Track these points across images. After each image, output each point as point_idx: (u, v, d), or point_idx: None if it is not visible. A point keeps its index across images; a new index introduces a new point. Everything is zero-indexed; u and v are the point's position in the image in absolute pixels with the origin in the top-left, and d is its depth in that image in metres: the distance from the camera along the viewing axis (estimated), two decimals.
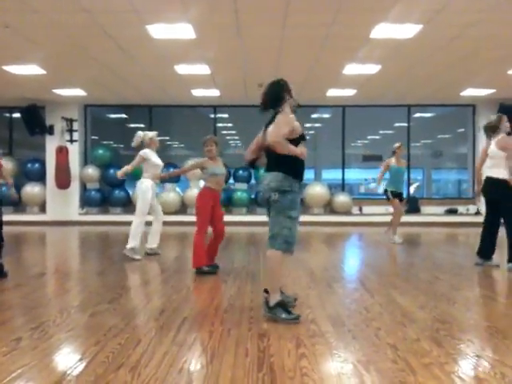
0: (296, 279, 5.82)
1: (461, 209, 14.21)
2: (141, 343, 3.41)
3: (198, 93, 12.33)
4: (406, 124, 14.70)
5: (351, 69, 9.86)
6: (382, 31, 7.48)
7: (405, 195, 9.80)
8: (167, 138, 18.20)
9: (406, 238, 10.24)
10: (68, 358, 3.19)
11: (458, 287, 5.53)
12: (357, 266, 7.58)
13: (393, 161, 9.53)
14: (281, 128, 4.00)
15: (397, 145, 9.59)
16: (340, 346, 3.38)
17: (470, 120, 14.51)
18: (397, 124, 16.27)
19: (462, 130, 15.56)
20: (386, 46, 8.36)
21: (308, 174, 16.07)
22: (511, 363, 3.05)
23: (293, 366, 2.98)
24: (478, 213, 13.90)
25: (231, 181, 14.29)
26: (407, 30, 7.47)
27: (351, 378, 2.85)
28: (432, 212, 14.07)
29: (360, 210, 14.28)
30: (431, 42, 8.11)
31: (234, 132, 18.73)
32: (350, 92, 12.27)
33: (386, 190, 9.66)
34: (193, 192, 13.72)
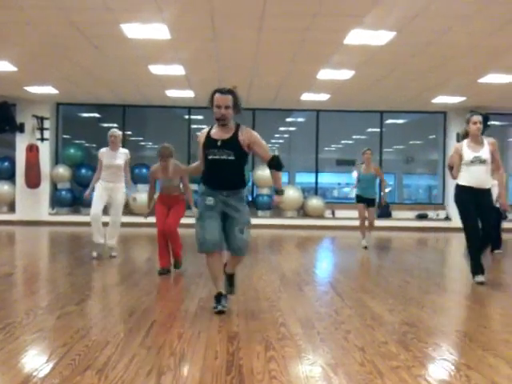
0: (267, 282, 5.83)
1: (431, 214, 14.43)
2: (108, 345, 3.36)
3: (173, 93, 12.28)
4: (378, 129, 14.88)
5: (325, 74, 9.94)
6: (356, 37, 7.55)
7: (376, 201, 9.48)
8: (141, 138, 18.06)
9: (377, 242, 10.35)
10: (34, 360, 3.13)
11: (426, 291, 5.60)
12: (328, 269, 7.63)
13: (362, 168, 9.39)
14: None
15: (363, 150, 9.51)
16: (309, 349, 3.39)
17: (441, 127, 14.77)
18: (369, 129, 16.45)
19: (433, 136, 15.82)
20: (360, 53, 8.45)
21: (282, 178, 16.14)
22: (477, 366, 3.09)
23: (262, 369, 2.98)
24: (447, 218, 14.17)
25: None
26: (381, 37, 7.56)
27: (319, 380, 2.86)
28: (403, 217, 14.25)
29: (333, 213, 14.38)
30: (404, 50, 8.23)
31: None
32: (324, 97, 12.36)
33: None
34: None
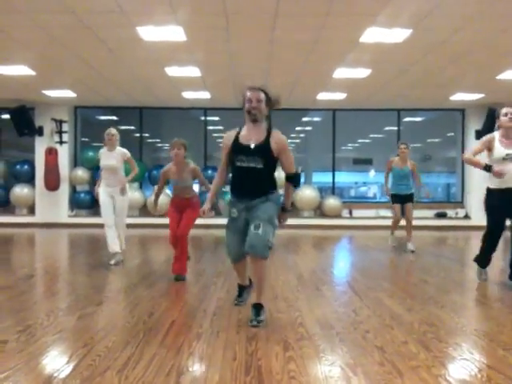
0: (285, 282, 5.82)
1: (450, 212, 14.30)
2: (128, 346, 3.39)
3: (189, 95, 12.32)
4: (395, 128, 14.78)
5: (341, 73, 9.90)
6: (372, 35, 7.51)
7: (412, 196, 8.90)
8: (158, 140, 18.17)
9: (395, 241, 10.28)
10: (54, 361, 3.17)
11: (446, 290, 5.55)
12: (346, 269, 7.59)
13: (396, 161, 8.77)
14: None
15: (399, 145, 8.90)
16: (328, 349, 3.38)
17: (460, 124, 14.63)
18: (387, 128, 16.36)
19: (451, 134, 15.67)
20: (376, 51, 8.40)
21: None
22: (497, 366, 3.06)
23: (280, 369, 2.98)
24: (466, 216, 14.03)
25: None
26: (396, 35, 7.51)
27: (338, 380, 2.85)
28: (421, 215, 14.11)
29: (350, 213, 14.33)
30: (420, 47, 8.16)
31: (224, 135, 18.72)
32: (340, 96, 12.32)
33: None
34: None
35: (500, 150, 5.32)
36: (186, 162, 5.89)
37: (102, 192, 7.16)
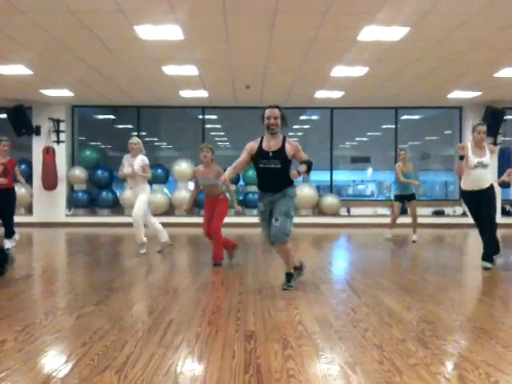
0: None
1: (448, 210, 14.31)
2: (127, 345, 3.39)
3: (187, 94, 12.31)
4: (393, 126, 14.79)
5: (339, 71, 9.90)
6: (370, 34, 7.52)
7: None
8: (155, 139, 18.14)
9: (393, 238, 10.30)
10: (53, 361, 3.17)
11: (444, 288, 5.56)
12: (344, 267, 7.60)
13: (400, 165, 9.90)
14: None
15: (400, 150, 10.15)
16: (327, 347, 3.38)
17: (457, 122, 14.64)
18: (384, 126, 16.36)
19: (449, 131, 15.69)
20: (374, 49, 8.40)
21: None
22: (496, 364, 3.07)
23: (279, 368, 2.98)
24: (464, 214, 14.04)
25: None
26: (394, 33, 7.52)
27: (337, 379, 2.85)
28: (419, 213, 14.11)
29: (348, 211, 14.33)
30: (418, 45, 8.16)
31: (222, 133, 18.73)
32: (337, 94, 12.32)
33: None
34: (181, 193, 13.69)
35: (472, 159, 6.45)
36: (212, 163, 6.81)
37: (130, 193, 8.23)
